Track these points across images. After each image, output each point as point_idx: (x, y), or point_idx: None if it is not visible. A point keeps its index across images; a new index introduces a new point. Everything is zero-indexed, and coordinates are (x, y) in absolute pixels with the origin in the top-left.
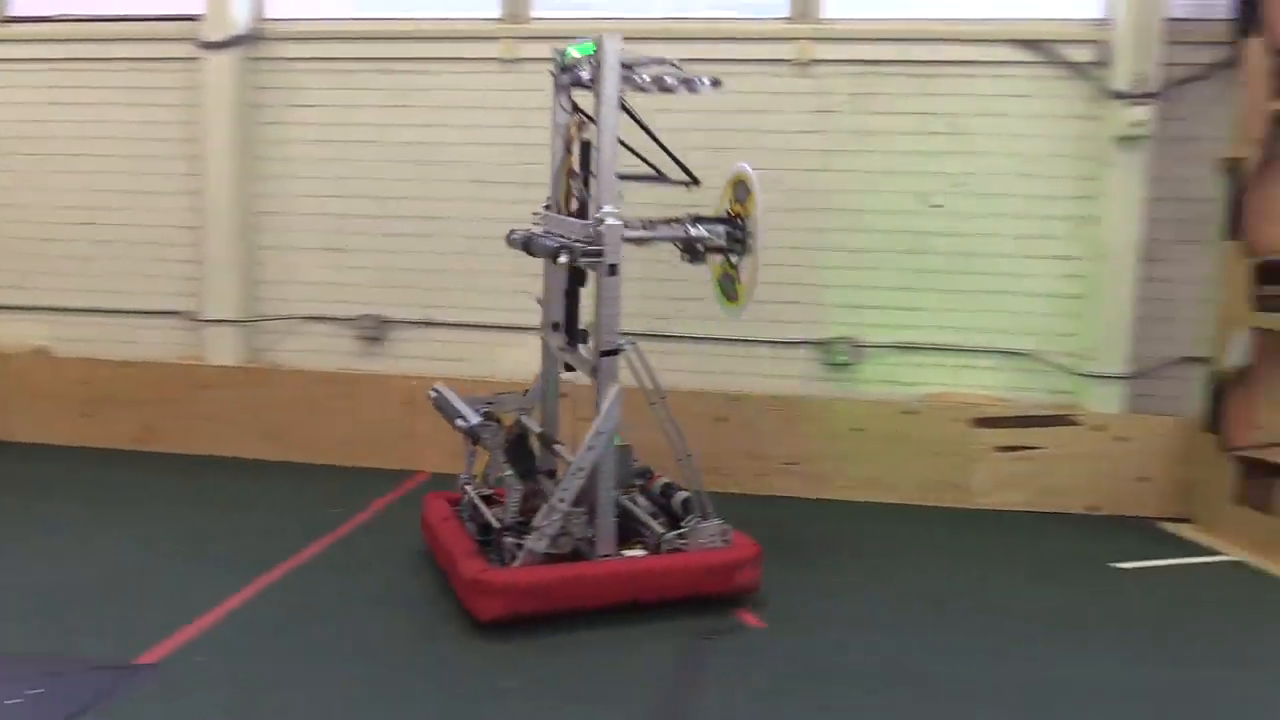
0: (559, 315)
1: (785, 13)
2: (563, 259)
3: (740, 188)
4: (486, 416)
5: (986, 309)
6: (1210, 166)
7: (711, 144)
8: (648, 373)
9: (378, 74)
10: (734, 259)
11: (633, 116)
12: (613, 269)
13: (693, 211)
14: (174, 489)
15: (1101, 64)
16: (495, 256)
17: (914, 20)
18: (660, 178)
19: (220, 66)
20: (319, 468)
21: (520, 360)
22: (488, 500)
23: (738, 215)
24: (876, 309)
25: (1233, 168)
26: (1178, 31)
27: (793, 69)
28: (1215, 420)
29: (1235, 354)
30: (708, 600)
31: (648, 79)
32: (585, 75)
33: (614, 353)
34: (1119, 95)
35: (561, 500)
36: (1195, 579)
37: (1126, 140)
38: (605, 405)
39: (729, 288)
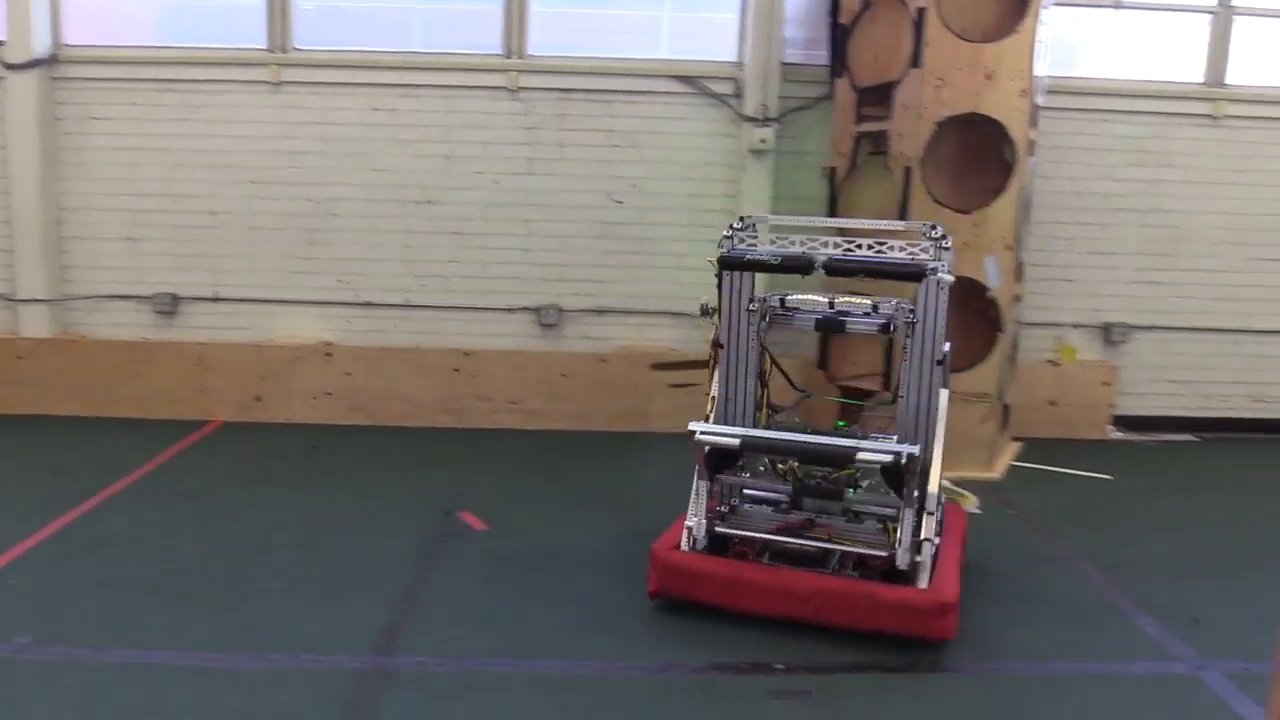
0: None
1: (499, 50)
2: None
3: None
4: None
5: (659, 280)
6: (815, 173)
7: (445, 153)
8: None
9: (164, 92)
10: None
11: None
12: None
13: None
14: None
15: (736, 95)
16: (269, 244)
17: (598, 58)
18: None
19: (22, 85)
20: (124, 421)
21: (293, 328)
22: None
23: None
24: (575, 281)
25: (830, 174)
26: (790, 73)
27: (507, 94)
28: (823, 359)
29: None
30: None
31: None
32: None
33: (941, 362)
34: (749, 119)
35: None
36: None
37: (756, 153)
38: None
39: None
